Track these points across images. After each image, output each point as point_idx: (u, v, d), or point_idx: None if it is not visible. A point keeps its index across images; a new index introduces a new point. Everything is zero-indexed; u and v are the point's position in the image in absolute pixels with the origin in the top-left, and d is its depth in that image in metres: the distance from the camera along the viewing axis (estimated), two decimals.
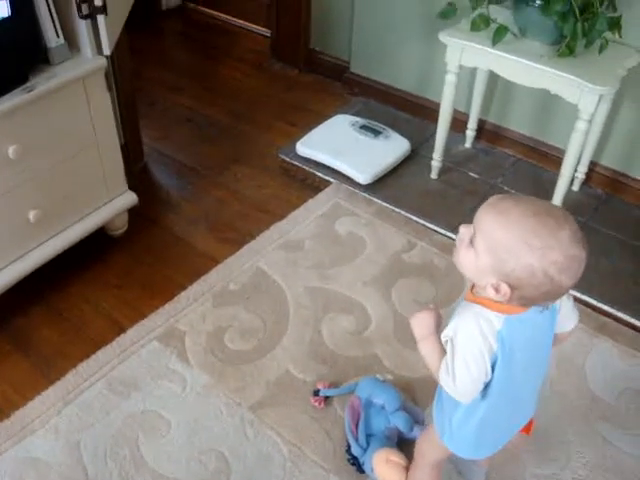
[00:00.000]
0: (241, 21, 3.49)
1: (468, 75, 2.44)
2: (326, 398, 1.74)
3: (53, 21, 1.79)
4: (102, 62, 1.89)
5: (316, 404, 1.73)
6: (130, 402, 1.75)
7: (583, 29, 1.93)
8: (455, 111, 2.49)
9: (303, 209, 2.35)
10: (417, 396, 1.75)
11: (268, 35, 3.25)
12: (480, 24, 2.09)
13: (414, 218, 2.30)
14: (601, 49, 1.97)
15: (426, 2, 2.50)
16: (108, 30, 1.86)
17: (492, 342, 1.07)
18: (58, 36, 1.82)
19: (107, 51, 1.88)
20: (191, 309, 1.99)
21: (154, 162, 2.59)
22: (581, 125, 2.00)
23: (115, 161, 2.07)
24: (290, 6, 2.95)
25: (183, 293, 2.03)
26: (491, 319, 1.07)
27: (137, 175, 2.48)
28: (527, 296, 1.04)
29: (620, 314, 2.00)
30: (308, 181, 2.49)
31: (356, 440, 1.57)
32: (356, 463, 1.58)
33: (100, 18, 1.81)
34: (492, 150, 2.61)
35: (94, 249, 2.14)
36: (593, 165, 2.40)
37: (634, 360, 1.88)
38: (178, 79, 3.12)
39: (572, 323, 1.22)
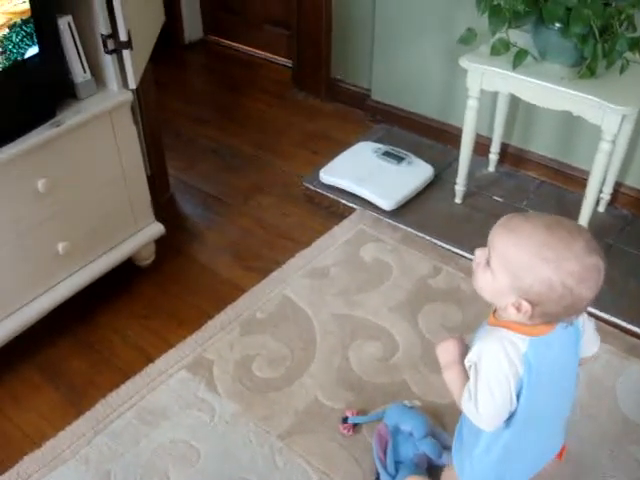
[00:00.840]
0: (262, 52, 3.54)
1: (490, 99, 2.45)
2: (355, 425, 1.73)
3: (80, 57, 1.84)
4: (128, 96, 1.93)
5: (345, 431, 1.72)
6: (159, 432, 1.75)
7: (603, 50, 1.93)
8: (478, 135, 2.50)
9: (328, 236, 2.36)
10: (446, 422, 1.73)
11: (289, 65, 3.30)
12: (500, 48, 2.10)
13: (439, 243, 2.30)
14: (622, 69, 1.97)
15: (446, 28, 2.53)
16: (133, 64, 1.90)
17: (518, 366, 1.06)
18: (85, 71, 1.86)
19: (133, 85, 1.92)
20: (218, 338, 1.99)
21: (180, 193, 2.62)
22: (605, 146, 2.00)
23: (142, 193, 2.10)
24: (310, 36, 3.00)
25: (210, 322, 2.04)
26: (516, 342, 1.06)
27: (163, 206, 2.51)
28: (549, 312, 1.04)
29: None
30: (332, 208, 2.50)
31: (385, 468, 1.56)
32: None
33: (125, 53, 1.85)
34: (516, 173, 2.61)
35: (121, 279, 2.16)
36: (618, 185, 2.38)
37: None
38: (202, 111, 3.17)
39: (595, 347, 1.21)
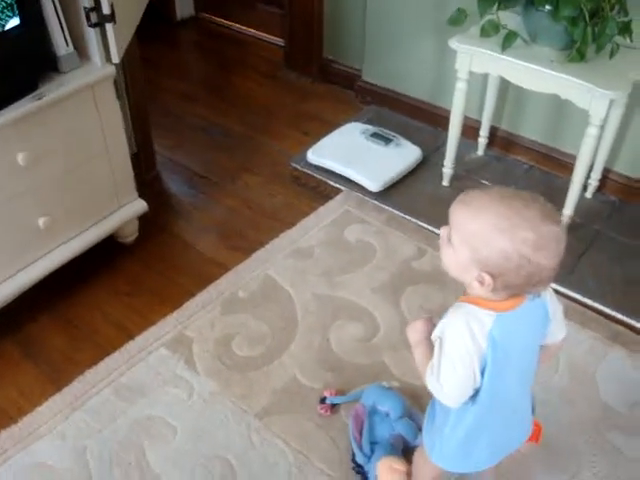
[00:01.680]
0: (255, 31, 3.51)
1: (480, 82, 2.43)
2: (333, 406, 1.73)
3: (62, 29, 1.81)
4: (111, 70, 1.90)
5: (322, 411, 1.72)
6: (137, 408, 1.75)
7: (593, 34, 1.90)
8: (467, 118, 2.48)
9: (313, 217, 2.34)
10: (423, 403, 1.70)
11: (282, 45, 3.26)
12: (489, 30, 2.08)
13: (424, 225, 2.29)
14: (612, 54, 1.95)
15: (438, 9, 2.50)
16: (117, 38, 1.87)
17: (482, 343, 1.06)
18: (67, 44, 1.84)
19: (116, 59, 1.89)
20: (199, 316, 1.98)
21: (167, 170, 2.60)
22: (592, 131, 1.98)
23: (125, 169, 2.08)
24: (303, 16, 2.97)
25: (192, 300, 2.03)
26: (481, 318, 1.06)
27: (149, 183, 2.50)
28: (511, 283, 1.03)
29: (635, 323, 1.96)
30: (319, 189, 2.49)
31: (360, 448, 1.55)
32: (361, 471, 1.56)
33: (108, 26, 1.83)
34: (505, 157, 2.59)
35: (104, 256, 2.15)
36: (607, 172, 2.37)
37: None
38: (192, 89, 3.14)
39: (562, 334, 1.21)
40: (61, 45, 1.83)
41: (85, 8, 1.80)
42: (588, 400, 1.78)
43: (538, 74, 2.00)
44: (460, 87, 2.20)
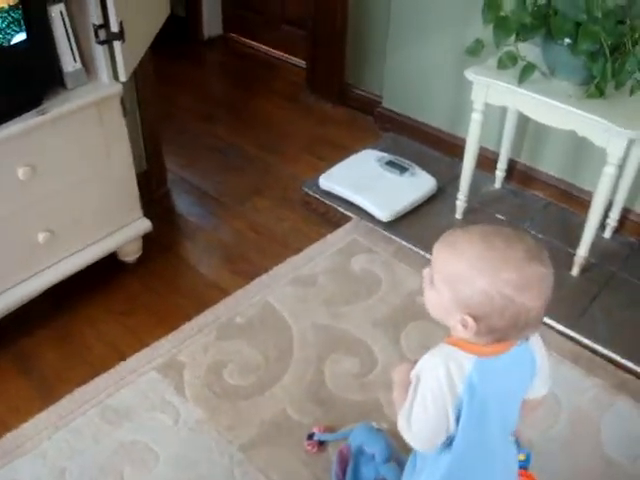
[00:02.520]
0: (280, 52, 3.51)
1: (499, 113, 2.37)
2: (320, 443, 1.67)
3: (71, 46, 1.81)
4: (118, 88, 1.89)
5: (309, 448, 1.66)
6: (121, 432, 1.71)
7: (613, 69, 1.84)
8: (485, 150, 2.43)
9: (320, 244, 2.30)
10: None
11: (305, 67, 3.24)
12: (507, 62, 2.02)
13: None
14: (632, 91, 1.88)
15: (460, 38, 2.44)
16: (125, 57, 1.86)
17: (458, 386, 1.01)
18: (75, 61, 1.84)
19: (123, 77, 1.88)
20: (194, 340, 1.95)
21: (177, 189, 2.59)
22: (610, 170, 1.91)
23: (129, 188, 2.07)
24: (325, 39, 2.95)
25: (187, 324, 2.00)
26: (462, 362, 1.01)
27: (158, 201, 2.49)
28: (495, 326, 0.98)
29: None
30: (329, 215, 2.44)
31: None
32: None
33: (116, 44, 1.82)
34: (522, 192, 2.52)
35: (104, 272, 2.14)
36: (626, 212, 2.28)
37: None
38: (212, 108, 3.13)
39: (545, 389, 1.16)
40: (69, 61, 1.83)
41: (94, 25, 1.80)
42: (589, 451, 1.69)
43: (555, 109, 1.94)
44: (475, 118, 2.14)
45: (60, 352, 1.93)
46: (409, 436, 1.08)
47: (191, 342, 1.94)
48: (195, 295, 2.12)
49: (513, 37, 1.95)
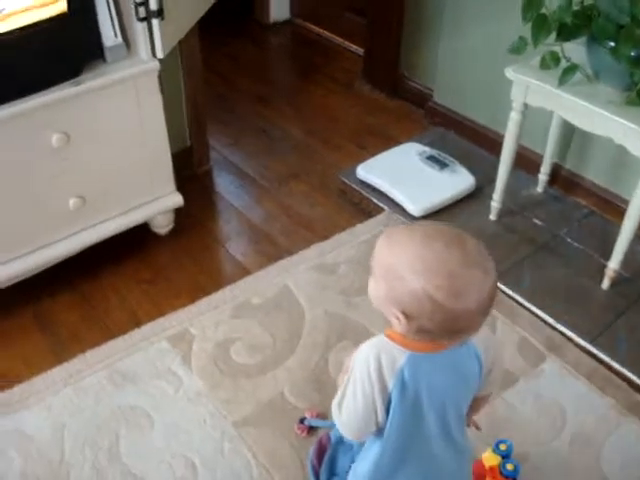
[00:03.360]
0: (341, 39, 3.50)
1: (547, 114, 2.29)
2: (311, 428, 1.69)
3: (112, 21, 1.88)
4: (155, 65, 1.94)
5: (299, 432, 1.68)
6: (123, 395, 1.78)
7: None
8: (531, 152, 2.36)
9: (348, 233, 2.30)
10: None
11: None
12: (550, 62, 1.96)
13: None
14: None
15: (513, 33, 2.37)
16: (164, 34, 1.91)
17: (387, 378, 1.00)
18: (116, 36, 1.90)
19: (160, 54, 1.93)
20: (208, 315, 2.00)
21: (219, 167, 2.64)
22: None
23: (163, 162, 2.12)
24: (383, 28, 2.92)
25: (205, 298, 2.05)
26: (395, 355, 1.01)
27: (199, 178, 2.55)
28: (425, 328, 0.97)
29: None
30: (362, 205, 2.44)
31: (316, 476, 1.51)
32: None
33: (155, 22, 1.87)
34: (564, 198, 2.43)
35: (139, 242, 2.22)
36: None
37: None
38: (265, 90, 3.17)
39: (492, 388, 1.14)
40: (109, 36, 1.90)
41: (134, 2, 1.85)
42: (587, 472, 1.63)
43: (592, 114, 1.86)
44: (514, 118, 2.09)
45: (80, 314, 2.02)
46: (339, 422, 1.08)
47: (205, 317, 1.99)
48: (218, 271, 2.17)
49: (554, 37, 1.88)
